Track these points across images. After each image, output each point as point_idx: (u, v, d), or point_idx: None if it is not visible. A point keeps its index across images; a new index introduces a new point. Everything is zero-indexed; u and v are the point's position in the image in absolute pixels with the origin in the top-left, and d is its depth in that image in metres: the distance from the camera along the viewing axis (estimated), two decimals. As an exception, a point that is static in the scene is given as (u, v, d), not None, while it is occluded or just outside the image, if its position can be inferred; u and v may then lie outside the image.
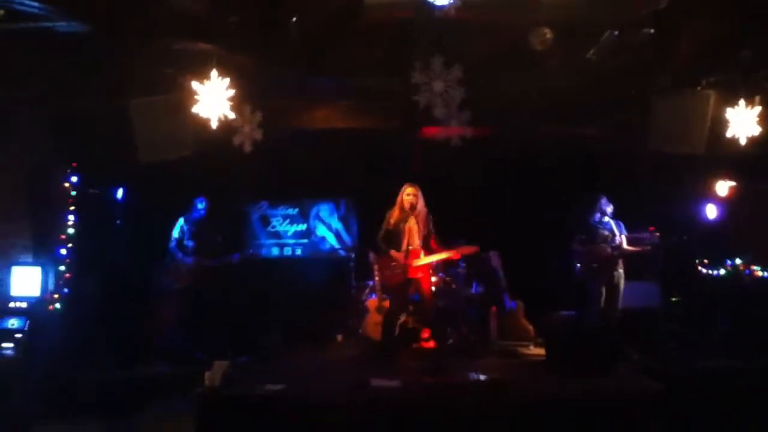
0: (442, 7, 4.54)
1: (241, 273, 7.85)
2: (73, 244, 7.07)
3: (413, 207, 6.39)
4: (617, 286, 7.20)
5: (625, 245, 7.22)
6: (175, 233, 7.38)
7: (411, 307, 7.12)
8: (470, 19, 5.05)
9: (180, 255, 7.33)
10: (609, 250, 7.11)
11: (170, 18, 5.20)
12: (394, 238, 6.49)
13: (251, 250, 8.12)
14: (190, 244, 7.37)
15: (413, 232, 6.46)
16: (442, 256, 6.51)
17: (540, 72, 6.06)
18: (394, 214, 6.49)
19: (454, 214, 7.49)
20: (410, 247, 6.43)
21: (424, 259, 6.46)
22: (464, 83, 5.57)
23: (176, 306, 7.38)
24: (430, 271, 6.80)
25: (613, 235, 7.20)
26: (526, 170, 8.58)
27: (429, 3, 4.54)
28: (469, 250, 6.58)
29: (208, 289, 7.32)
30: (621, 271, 7.23)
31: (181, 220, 7.42)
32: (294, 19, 5.27)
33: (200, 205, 7.45)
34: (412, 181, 6.56)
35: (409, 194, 6.42)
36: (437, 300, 6.83)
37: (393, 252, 6.50)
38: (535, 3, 5.02)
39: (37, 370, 6.26)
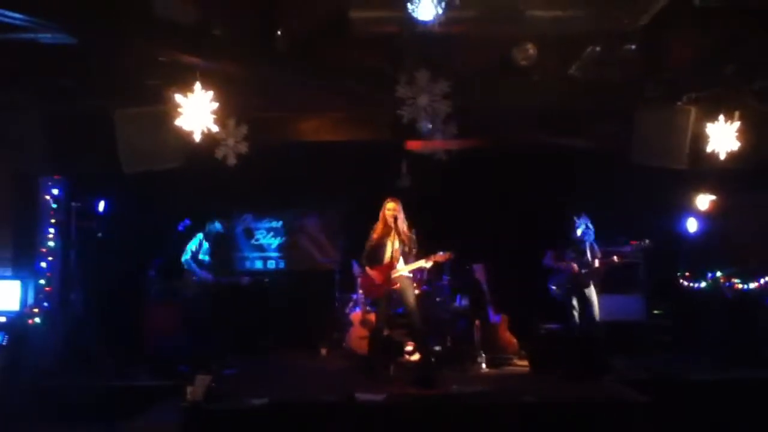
0: (427, 22, 4.55)
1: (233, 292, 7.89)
2: (54, 257, 6.98)
3: (395, 221, 6.43)
4: (590, 301, 7.38)
5: (596, 265, 7.37)
6: (192, 246, 7.39)
7: (396, 321, 7.12)
8: (455, 33, 5.10)
9: (196, 268, 7.33)
10: (575, 267, 7.29)
11: (156, 30, 5.19)
12: (378, 252, 6.53)
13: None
14: (206, 259, 7.40)
15: (395, 246, 6.51)
16: (416, 265, 6.54)
17: (525, 85, 6.11)
18: (378, 230, 6.53)
19: (439, 226, 7.52)
20: (387, 260, 6.47)
21: (399, 270, 6.49)
22: (450, 97, 5.59)
23: (162, 318, 7.36)
24: (414, 284, 6.80)
25: (585, 255, 7.32)
26: (511, 183, 8.63)
27: (414, 18, 4.55)
28: (442, 257, 6.58)
29: (213, 305, 7.34)
30: (591, 288, 7.41)
31: (200, 235, 7.46)
32: (280, 32, 5.29)
33: (218, 225, 7.56)
34: (396, 195, 6.59)
35: (390, 209, 6.46)
36: (422, 312, 6.81)
37: (368, 269, 6.55)
38: (520, 17, 5.07)
39: (19, 384, 6.16)
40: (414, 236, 6.56)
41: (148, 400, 5.90)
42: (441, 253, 6.50)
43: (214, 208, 7.80)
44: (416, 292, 6.96)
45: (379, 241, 6.52)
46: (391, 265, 6.48)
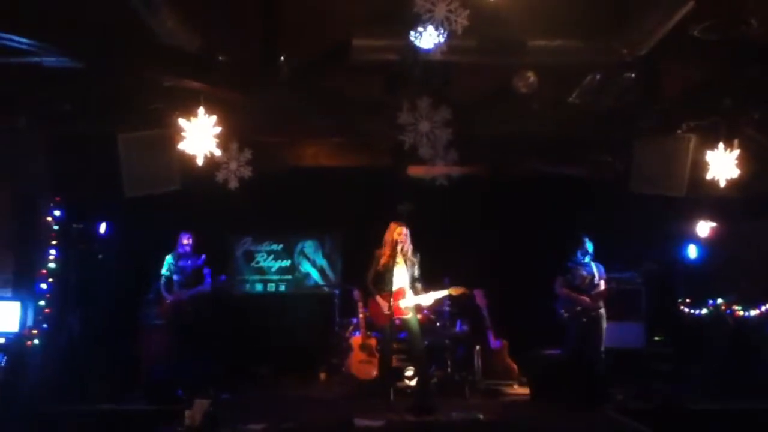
0: (428, 51, 4.59)
1: (224, 307, 7.81)
2: (54, 279, 6.98)
3: (403, 247, 6.39)
4: (598, 326, 7.18)
5: (602, 287, 7.26)
6: (164, 271, 7.36)
7: (397, 346, 7.07)
8: (457, 61, 5.15)
9: (165, 292, 7.29)
10: (588, 299, 7.14)
11: (160, 55, 5.24)
12: (385, 278, 6.35)
13: (223, 278, 7.94)
14: (176, 278, 7.36)
15: (402, 272, 6.45)
16: (438, 294, 6.50)
17: (525, 113, 6.15)
18: (385, 254, 6.41)
19: (440, 252, 7.51)
20: (397, 288, 6.34)
21: (413, 299, 6.41)
22: (451, 123, 5.62)
23: (160, 342, 7.31)
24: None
25: (593, 277, 7.23)
26: (511, 209, 8.64)
27: (415, 47, 4.59)
28: (456, 291, 6.55)
29: (189, 322, 7.26)
30: (602, 311, 7.22)
31: (168, 258, 7.41)
32: (283, 58, 5.34)
33: (185, 240, 7.46)
34: (398, 220, 6.57)
35: (400, 233, 6.38)
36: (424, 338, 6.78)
37: (379, 297, 6.41)
38: (521, 46, 5.12)
39: (15, 407, 6.12)
40: (418, 260, 6.54)
41: (144, 424, 5.86)
42: (454, 286, 6.51)
43: (214, 231, 7.81)
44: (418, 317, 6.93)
45: (386, 266, 6.36)
46: (400, 294, 6.39)
